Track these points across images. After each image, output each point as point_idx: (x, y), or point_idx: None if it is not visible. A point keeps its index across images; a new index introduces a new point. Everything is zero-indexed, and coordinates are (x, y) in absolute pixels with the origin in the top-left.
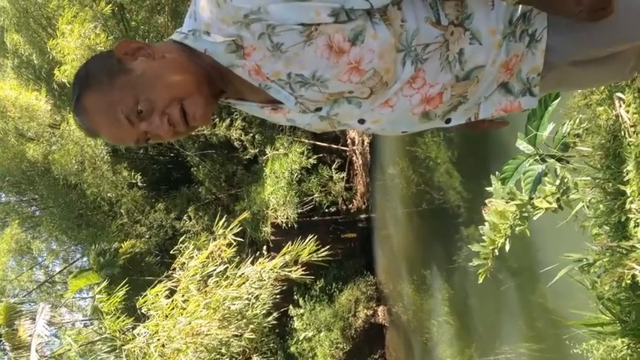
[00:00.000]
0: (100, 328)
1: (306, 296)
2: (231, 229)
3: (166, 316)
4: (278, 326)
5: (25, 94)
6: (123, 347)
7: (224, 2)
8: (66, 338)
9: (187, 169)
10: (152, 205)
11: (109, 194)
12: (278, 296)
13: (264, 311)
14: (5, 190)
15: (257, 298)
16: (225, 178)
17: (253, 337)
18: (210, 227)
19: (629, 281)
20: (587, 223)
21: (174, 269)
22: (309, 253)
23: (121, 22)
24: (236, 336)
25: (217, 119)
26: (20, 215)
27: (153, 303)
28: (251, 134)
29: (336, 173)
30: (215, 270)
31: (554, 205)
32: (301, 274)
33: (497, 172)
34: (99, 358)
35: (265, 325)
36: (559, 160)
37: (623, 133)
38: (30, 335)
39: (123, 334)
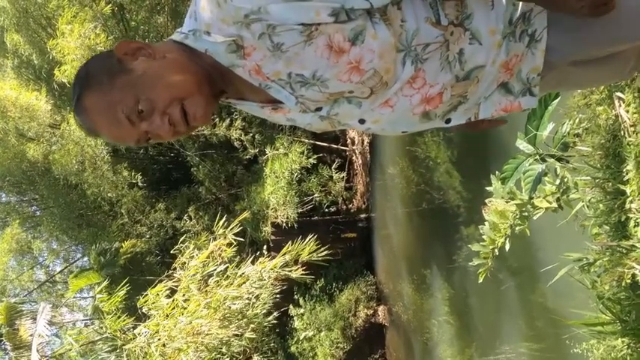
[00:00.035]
0: (101, 327)
1: (307, 296)
2: (231, 229)
3: (167, 316)
4: (278, 326)
5: (25, 94)
6: (124, 347)
7: (224, 2)
8: (67, 338)
9: (187, 169)
10: (152, 205)
11: (109, 194)
12: (278, 296)
13: (264, 311)
14: (6, 190)
15: (257, 297)
16: (225, 178)
17: (254, 336)
18: (210, 227)
19: (629, 281)
20: (587, 223)
21: (174, 269)
22: (309, 253)
23: (121, 22)
24: (236, 335)
25: (217, 119)
26: (21, 215)
27: (153, 302)
28: (251, 134)
29: (336, 173)
30: (215, 270)
31: (554, 204)
32: (301, 274)
33: (497, 172)
34: (100, 357)
35: (266, 324)
36: (559, 159)
37: (622, 132)
38: (31, 335)
39: (124, 333)
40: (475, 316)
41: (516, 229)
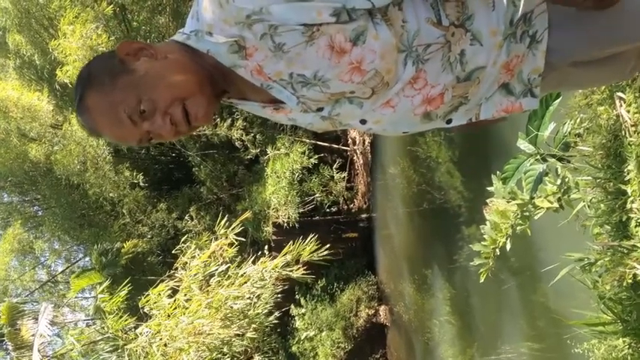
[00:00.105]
0: (103, 327)
1: (308, 296)
2: (232, 229)
3: (168, 316)
4: (279, 326)
5: (27, 95)
6: (125, 347)
7: (226, 3)
8: (68, 338)
9: (189, 169)
10: (154, 205)
11: (111, 194)
12: (279, 296)
13: (265, 311)
14: (8, 190)
15: (259, 297)
16: (226, 178)
17: (255, 336)
18: (211, 227)
19: (630, 281)
20: (589, 223)
21: (176, 269)
22: (311, 253)
23: (123, 23)
24: (238, 335)
25: (219, 119)
26: (23, 215)
27: (155, 302)
28: (252, 134)
29: (337, 173)
30: (217, 269)
31: (556, 204)
32: (302, 274)
33: (498, 172)
34: (101, 357)
35: (267, 324)
36: (560, 159)
37: (623, 132)
38: (32, 335)
39: (125, 333)
40: (476, 316)
41: (517, 229)
